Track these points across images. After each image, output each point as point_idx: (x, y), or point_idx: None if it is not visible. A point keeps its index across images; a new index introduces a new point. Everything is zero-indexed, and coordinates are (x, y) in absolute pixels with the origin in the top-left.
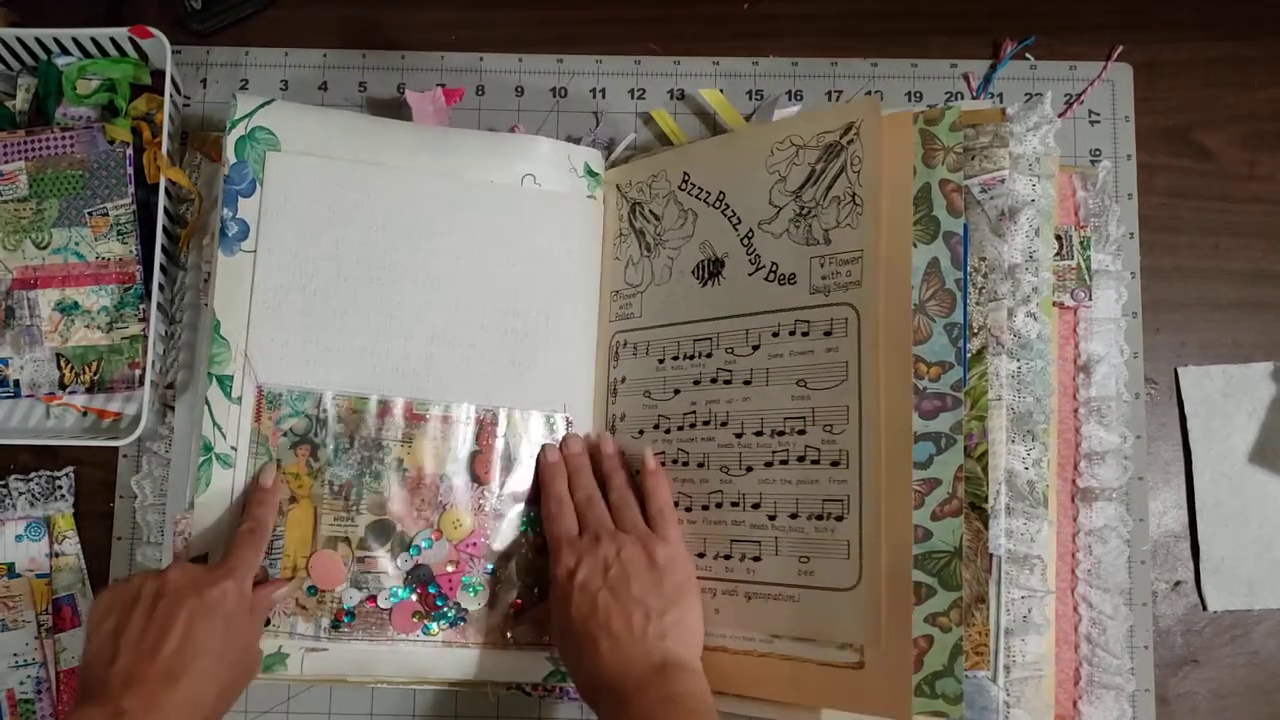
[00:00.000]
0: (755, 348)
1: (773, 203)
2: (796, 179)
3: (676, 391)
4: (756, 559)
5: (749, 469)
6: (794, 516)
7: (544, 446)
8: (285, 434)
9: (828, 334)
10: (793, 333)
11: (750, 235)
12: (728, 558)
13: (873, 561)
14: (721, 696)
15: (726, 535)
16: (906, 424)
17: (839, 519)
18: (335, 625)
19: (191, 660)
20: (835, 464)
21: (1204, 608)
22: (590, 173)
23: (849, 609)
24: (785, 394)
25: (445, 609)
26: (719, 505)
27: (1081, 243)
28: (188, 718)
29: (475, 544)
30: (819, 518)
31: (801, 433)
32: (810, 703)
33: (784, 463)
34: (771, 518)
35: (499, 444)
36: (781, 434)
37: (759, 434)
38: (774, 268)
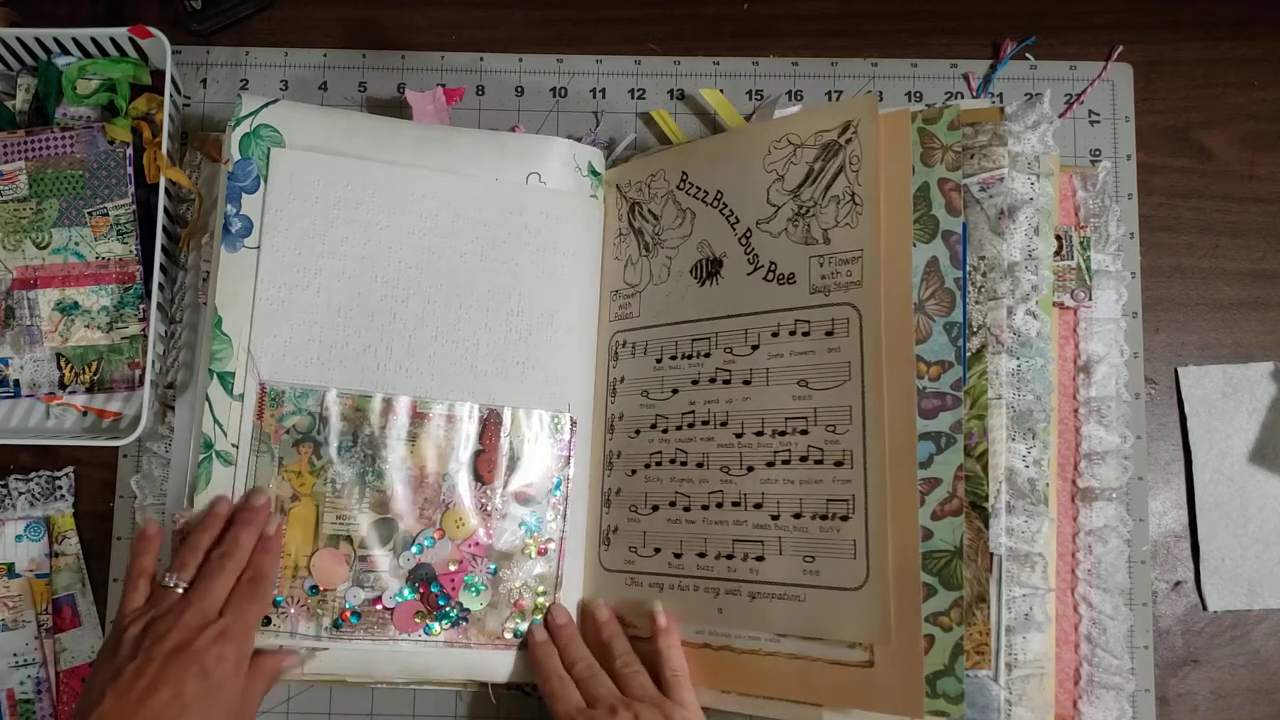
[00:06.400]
0: (754, 347)
1: (771, 202)
2: (794, 178)
3: (675, 391)
4: (760, 559)
5: (750, 469)
6: (797, 516)
7: (531, 626)
8: (288, 431)
9: (829, 334)
10: (793, 332)
11: (748, 235)
12: (730, 557)
13: (880, 560)
14: (725, 695)
15: (728, 535)
16: (911, 423)
17: (844, 519)
18: (338, 625)
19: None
20: (839, 464)
21: (1204, 608)
22: (594, 172)
23: (857, 608)
24: (786, 394)
25: (448, 609)
26: (719, 505)
27: (1081, 243)
28: None
29: (478, 543)
30: (824, 518)
31: (804, 433)
32: (820, 700)
33: (786, 463)
34: (775, 518)
35: (503, 443)
36: (783, 434)
37: (759, 434)
38: (773, 267)
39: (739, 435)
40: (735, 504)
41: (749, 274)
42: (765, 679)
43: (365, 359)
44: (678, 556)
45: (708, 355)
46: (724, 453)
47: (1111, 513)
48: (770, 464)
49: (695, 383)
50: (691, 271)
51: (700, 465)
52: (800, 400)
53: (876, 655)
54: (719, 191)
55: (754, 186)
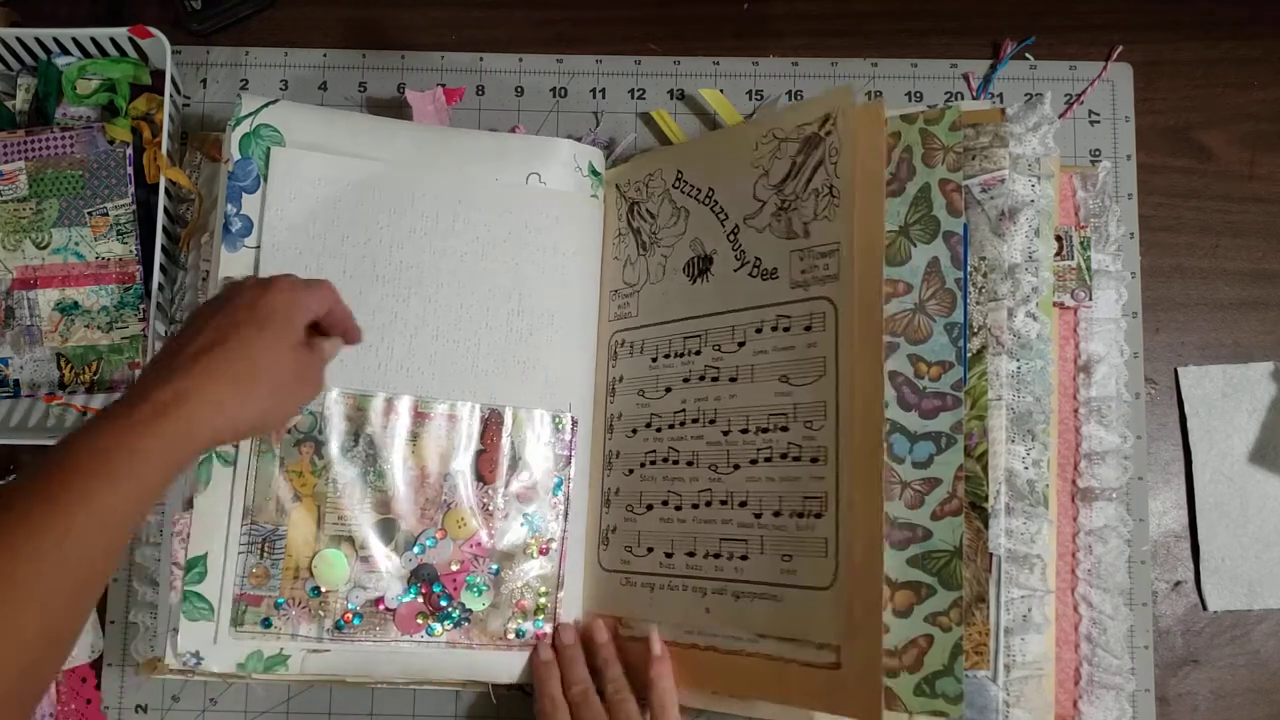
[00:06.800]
0: (741, 344)
1: (757, 197)
2: (779, 172)
3: (668, 389)
4: (744, 558)
5: (736, 467)
6: (777, 515)
7: (537, 645)
8: (289, 431)
9: (808, 329)
10: (775, 328)
11: (736, 231)
12: (717, 556)
13: (847, 559)
14: (714, 697)
15: (716, 534)
16: (878, 419)
17: (817, 516)
18: (340, 626)
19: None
20: (815, 460)
21: (1204, 608)
22: (594, 172)
23: (825, 608)
24: (769, 390)
25: (450, 609)
26: (709, 504)
27: (1081, 243)
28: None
29: (480, 544)
30: (800, 515)
31: (784, 429)
32: (793, 703)
33: (768, 460)
34: (758, 516)
35: (505, 443)
36: (766, 431)
37: (745, 431)
38: (757, 263)
39: (726, 433)
40: (723, 502)
41: (736, 270)
42: (746, 680)
43: (366, 358)
44: (669, 556)
45: (698, 353)
46: (712, 451)
47: (1111, 513)
48: (754, 461)
49: (687, 381)
50: (684, 269)
51: (690, 464)
52: (781, 397)
53: (843, 657)
54: (710, 188)
55: (742, 182)
